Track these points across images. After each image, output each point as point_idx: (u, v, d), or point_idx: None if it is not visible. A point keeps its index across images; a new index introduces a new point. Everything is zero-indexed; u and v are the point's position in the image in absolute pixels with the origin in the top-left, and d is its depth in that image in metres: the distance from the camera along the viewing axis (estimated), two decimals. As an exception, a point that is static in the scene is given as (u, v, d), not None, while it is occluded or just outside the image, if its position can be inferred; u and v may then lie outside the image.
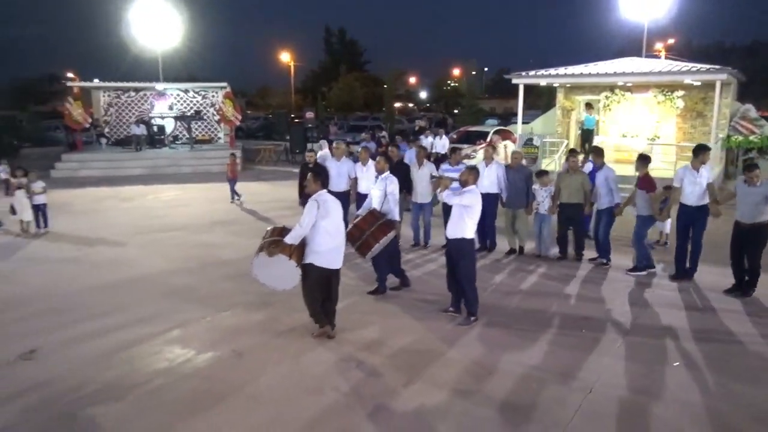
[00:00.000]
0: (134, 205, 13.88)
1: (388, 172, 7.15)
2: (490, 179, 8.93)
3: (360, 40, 76.93)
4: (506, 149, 16.86)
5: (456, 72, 59.05)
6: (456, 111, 33.17)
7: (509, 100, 39.41)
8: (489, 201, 8.87)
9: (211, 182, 17.15)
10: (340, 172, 9.18)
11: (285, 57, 59.20)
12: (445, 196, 6.36)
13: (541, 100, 33.75)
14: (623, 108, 17.50)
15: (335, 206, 5.66)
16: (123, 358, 5.43)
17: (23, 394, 4.74)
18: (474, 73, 51.22)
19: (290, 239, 5.50)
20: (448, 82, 62.14)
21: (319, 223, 5.48)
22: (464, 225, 6.16)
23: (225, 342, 5.75)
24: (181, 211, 12.99)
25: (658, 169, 14.23)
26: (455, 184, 6.45)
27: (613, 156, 16.09)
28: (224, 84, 23.02)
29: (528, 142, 16.77)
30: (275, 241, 5.58)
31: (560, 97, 19.09)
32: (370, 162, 8.86)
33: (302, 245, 5.59)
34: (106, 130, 23.40)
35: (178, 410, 4.50)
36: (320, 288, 5.66)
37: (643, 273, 7.98)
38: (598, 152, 8.93)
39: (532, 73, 17.80)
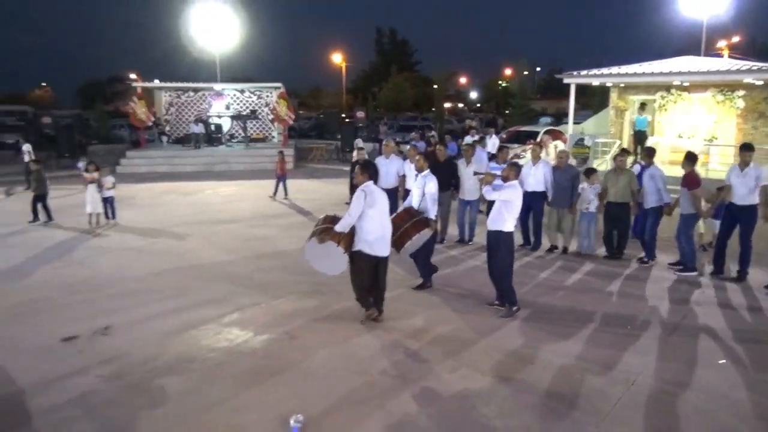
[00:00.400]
0: (194, 199, 14.57)
1: (428, 170, 7.31)
2: (537, 178, 9.03)
3: (411, 41, 77.36)
4: (556, 149, 16.76)
5: (507, 72, 58.51)
6: (507, 111, 32.90)
7: (561, 101, 38.83)
8: (535, 199, 9.03)
9: (265, 179, 17.72)
10: (388, 169, 9.50)
11: (337, 58, 60.24)
12: (485, 191, 6.56)
13: (593, 100, 33.12)
14: (680, 108, 17.09)
15: (381, 197, 5.96)
16: (187, 336, 5.87)
17: (100, 365, 5.22)
18: (526, 73, 50.64)
19: (340, 227, 5.84)
20: (500, 82, 61.61)
21: (366, 212, 5.78)
22: (503, 219, 6.34)
23: (279, 325, 6.11)
24: (238, 205, 13.57)
25: (714, 171, 13.90)
26: (498, 181, 6.62)
27: (669, 157, 15.79)
28: (279, 84, 23.74)
29: (579, 143, 16.62)
30: (326, 229, 5.95)
31: (614, 96, 18.80)
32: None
33: (351, 233, 5.91)
34: (167, 128, 24.50)
35: (239, 383, 4.87)
36: (368, 274, 5.95)
37: (693, 273, 7.92)
38: (649, 152, 8.90)
39: (584, 72, 17.61)
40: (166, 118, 24.65)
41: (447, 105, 49.54)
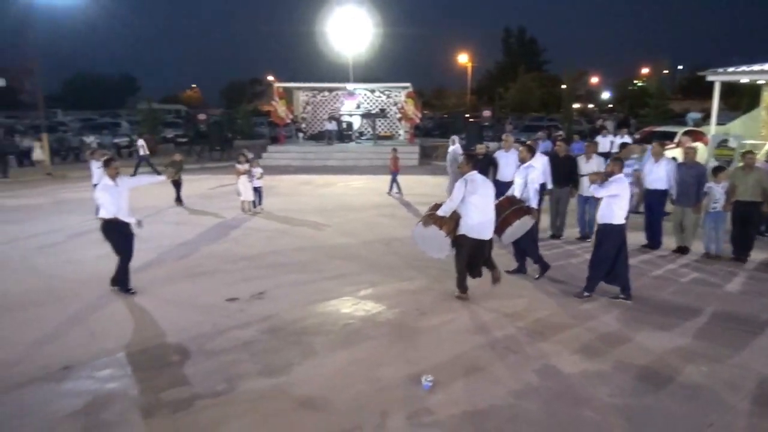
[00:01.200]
0: (328, 191, 15.72)
1: (531, 161, 7.62)
2: (658, 176, 8.92)
3: (540, 40, 75.29)
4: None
5: (645, 71, 55.11)
6: (642, 112, 31.16)
7: (705, 101, 35.98)
8: (655, 197, 8.94)
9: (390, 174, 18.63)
10: (508, 162, 9.81)
11: (462, 58, 60.30)
12: (593, 189, 6.73)
13: (743, 100, 30.41)
14: None
15: (484, 185, 6.43)
16: (328, 305, 6.64)
17: (258, 322, 6.10)
18: (666, 72, 47.45)
19: (441, 212, 6.44)
20: (634, 81, 58.18)
21: (468, 199, 6.29)
22: (612, 212, 6.51)
23: (409, 301, 6.69)
24: (367, 197, 14.46)
25: None
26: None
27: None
28: (407, 84, 24.57)
29: (722, 144, 15.58)
30: (431, 214, 6.53)
31: (766, 95, 17.32)
32: (538, 154, 9.24)
33: (456, 220, 6.43)
34: (303, 125, 26.32)
35: (375, 345, 5.50)
36: (472, 256, 6.47)
37: None
38: None
39: (731, 69, 16.45)
40: (302, 116, 26.49)
41: (576, 106, 47.77)
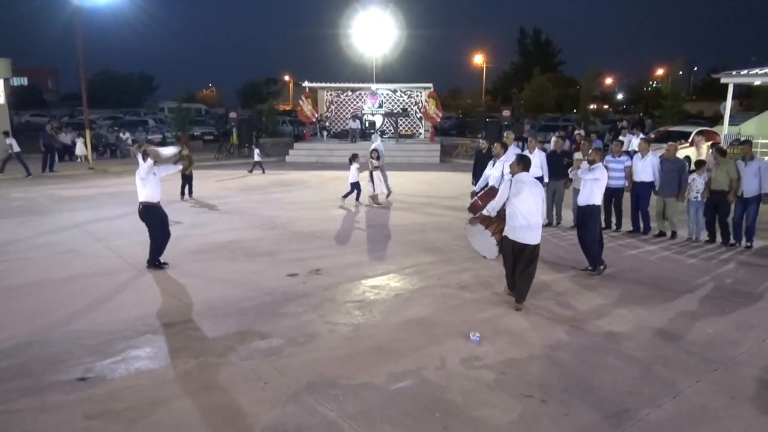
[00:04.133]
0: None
1: (504, 156, 8.95)
2: (645, 170, 9.97)
3: (555, 41, 75.78)
4: (709, 150, 16.53)
5: (659, 72, 55.50)
6: (656, 113, 31.74)
7: (720, 102, 36.49)
8: (644, 189, 10.05)
9: (415, 171, 19.56)
10: (508, 157, 10.64)
11: (477, 59, 61.03)
12: (579, 173, 7.82)
13: (758, 101, 30.93)
14: None
15: (530, 188, 6.29)
16: (378, 280, 7.53)
17: (315, 294, 6.99)
18: (681, 73, 47.86)
19: (486, 211, 6.93)
20: (650, 82, 58.57)
21: (512, 200, 6.29)
22: (594, 194, 7.55)
23: (451, 278, 7.57)
24: (396, 190, 15.31)
25: None
26: (584, 165, 7.96)
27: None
28: (429, 85, 25.45)
29: (734, 143, 16.27)
30: (478, 213, 7.14)
31: (778, 97, 17.97)
32: (537, 150, 10.58)
33: (503, 220, 6.57)
34: (327, 123, 27.26)
35: (425, 311, 6.40)
36: (512, 258, 6.42)
37: None
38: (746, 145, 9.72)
39: (744, 72, 17.14)
40: (326, 114, 27.44)
41: (591, 106, 48.32)
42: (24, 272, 7.77)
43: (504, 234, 6.51)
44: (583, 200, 7.71)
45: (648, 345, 5.53)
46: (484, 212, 6.94)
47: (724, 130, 17.89)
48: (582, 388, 4.65)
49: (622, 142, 11.08)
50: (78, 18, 20.02)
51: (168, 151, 8.38)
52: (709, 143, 17.60)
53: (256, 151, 19.77)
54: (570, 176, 7.93)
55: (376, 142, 13.85)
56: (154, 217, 7.83)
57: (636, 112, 52.69)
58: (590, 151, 8.28)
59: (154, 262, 7.93)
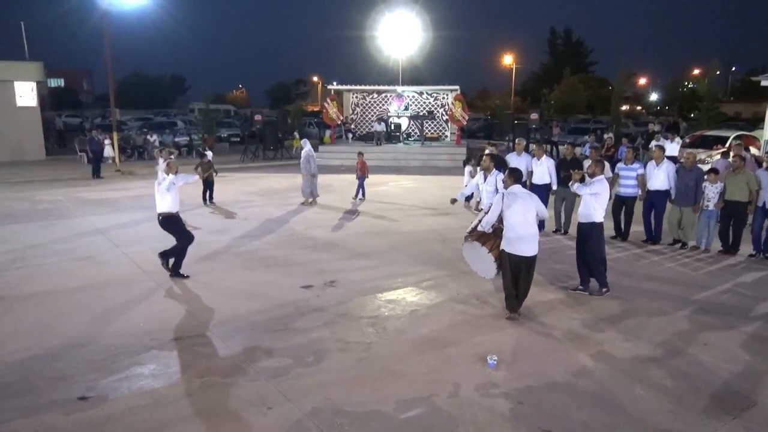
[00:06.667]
0: (379, 189, 16.36)
1: (495, 170, 8.52)
2: (660, 178, 9.58)
3: (587, 41, 74.40)
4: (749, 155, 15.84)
5: (695, 72, 53.97)
6: (692, 115, 30.72)
7: (760, 104, 35.16)
8: (658, 198, 9.68)
9: (440, 174, 19.24)
10: (519, 165, 10.31)
11: (507, 60, 60.26)
12: (576, 187, 7.20)
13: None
14: None
15: (522, 200, 6.17)
16: (395, 294, 7.28)
17: (328, 309, 6.76)
18: (718, 73, 46.41)
19: (481, 227, 6.59)
20: (685, 83, 57.01)
21: (506, 213, 6.21)
22: (593, 211, 6.99)
23: (469, 292, 7.27)
24: (419, 195, 15.08)
25: None
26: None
27: None
28: (456, 87, 25.07)
29: (774, 149, 15.54)
30: (473, 230, 6.73)
31: (822, 100, 17.13)
32: (544, 157, 10.38)
33: (500, 236, 6.36)
34: (352, 126, 27.11)
35: (442, 328, 6.12)
36: (510, 272, 6.26)
37: None
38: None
39: (786, 74, 16.34)
40: (352, 117, 27.29)
41: (623, 108, 47.21)
42: (38, 280, 7.75)
43: (502, 248, 6.35)
44: (583, 217, 7.15)
45: (679, 373, 5.15)
46: (479, 228, 6.63)
47: (765, 134, 17.11)
48: (605, 425, 4.32)
49: (663, 148, 10.49)
50: (106, 21, 20.26)
51: (189, 178, 8.40)
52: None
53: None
54: (574, 190, 7.34)
55: (306, 148, 13.62)
56: (176, 224, 7.83)
57: (670, 114, 51.26)
58: (590, 163, 7.70)
59: (178, 269, 7.82)
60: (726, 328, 6.21)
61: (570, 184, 7.54)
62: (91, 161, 19.24)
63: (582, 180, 7.29)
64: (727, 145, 16.94)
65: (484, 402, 4.61)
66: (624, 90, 34.87)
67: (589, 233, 7.11)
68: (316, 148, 24.35)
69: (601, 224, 7.12)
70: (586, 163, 10.25)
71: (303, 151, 13.58)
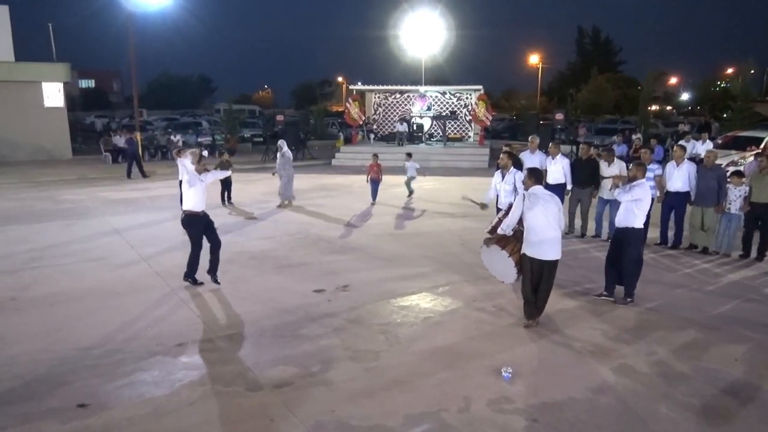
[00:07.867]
0: (400, 191, 16.10)
1: (513, 168, 8.28)
2: (681, 179, 9.18)
3: (615, 40, 72.97)
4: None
5: (729, 71, 52.41)
6: (725, 115, 29.73)
7: (797, 104, 33.91)
8: (678, 199, 9.31)
9: (462, 176, 18.96)
10: (533, 163, 10.08)
11: (533, 59, 59.44)
12: (616, 193, 6.84)
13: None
14: None
15: (544, 202, 5.91)
16: (408, 300, 7.05)
17: (345, 312, 6.59)
18: (752, 72, 44.92)
19: (501, 230, 6.31)
20: (718, 82, 55.44)
21: (526, 215, 5.95)
22: (633, 216, 6.62)
23: (486, 299, 7.00)
24: (442, 197, 14.82)
25: None
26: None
27: None
28: (479, 87, 24.71)
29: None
30: (493, 234, 6.44)
31: None
32: (559, 156, 10.14)
33: (520, 240, 6.12)
34: (374, 126, 26.94)
35: (456, 336, 5.87)
36: (531, 277, 6.03)
37: None
38: None
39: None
40: (374, 117, 27.12)
41: (652, 107, 46.10)
42: (51, 281, 7.73)
43: (523, 252, 6.09)
44: (619, 221, 6.80)
45: (707, 391, 4.82)
46: (499, 231, 6.35)
47: (801, 135, 16.40)
48: (626, 446, 4.04)
49: (684, 148, 10.12)
50: (131, 23, 20.46)
51: (219, 174, 8.26)
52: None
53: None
54: (614, 196, 6.99)
55: (284, 149, 13.42)
56: (197, 227, 7.42)
57: (702, 114, 49.89)
58: (631, 166, 7.23)
59: (191, 275, 7.56)
60: (758, 342, 5.84)
61: (610, 188, 7.29)
62: (127, 161, 19.36)
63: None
64: (762, 146, 16.30)
65: (496, 419, 4.36)
66: (653, 90, 34.05)
67: (628, 239, 6.76)
68: (338, 149, 24.42)
69: (640, 230, 6.81)
70: (604, 164, 9.97)
71: (279, 153, 13.43)
